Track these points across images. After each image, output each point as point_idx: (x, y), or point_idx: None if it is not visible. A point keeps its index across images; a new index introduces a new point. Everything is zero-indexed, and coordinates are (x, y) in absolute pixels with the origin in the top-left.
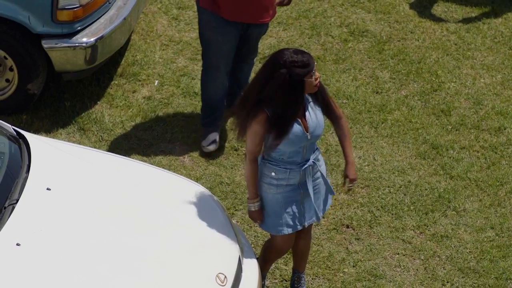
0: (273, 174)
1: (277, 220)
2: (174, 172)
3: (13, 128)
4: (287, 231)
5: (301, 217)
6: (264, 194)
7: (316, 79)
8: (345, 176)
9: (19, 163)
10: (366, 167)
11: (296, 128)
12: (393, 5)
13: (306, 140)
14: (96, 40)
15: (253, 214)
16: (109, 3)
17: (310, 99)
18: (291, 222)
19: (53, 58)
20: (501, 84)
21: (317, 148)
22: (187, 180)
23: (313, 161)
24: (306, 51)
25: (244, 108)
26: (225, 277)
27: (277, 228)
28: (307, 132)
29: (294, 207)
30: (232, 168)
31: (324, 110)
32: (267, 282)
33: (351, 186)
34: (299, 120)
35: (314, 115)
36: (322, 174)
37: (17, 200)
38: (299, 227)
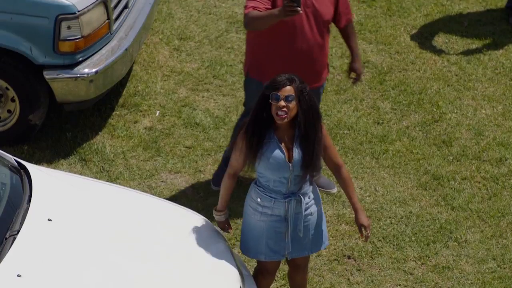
0: (259, 200)
1: (256, 246)
2: (175, 202)
3: (14, 159)
4: (263, 257)
5: (282, 249)
6: (248, 218)
7: (278, 106)
8: (359, 225)
9: (20, 193)
10: (367, 198)
11: (277, 153)
12: (394, 36)
13: (288, 171)
14: (97, 71)
15: (221, 224)
16: (111, 34)
17: (298, 135)
18: (269, 252)
19: (55, 89)
20: (502, 115)
21: (308, 185)
22: (188, 211)
23: (299, 196)
24: (296, 80)
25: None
26: None
27: (255, 253)
28: (289, 163)
29: (276, 238)
30: (233, 198)
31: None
32: None
33: (368, 233)
34: (282, 146)
35: (301, 151)
36: (314, 215)
37: (18, 231)
38: (278, 258)
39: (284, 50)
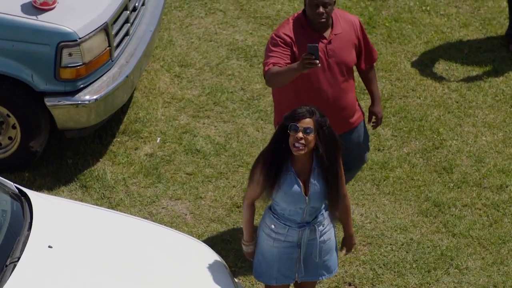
0: (273, 226)
1: (268, 271)
2: (176, 229)
3: (15, 186)
4: (274, 282)
5: (293, 273)
6: (261, 242)
7: (296, 138)
8: (344, 245)
9: (21, 220)
10: (368, 225)
11: (294, 187)
12: (394, 63)
13: (304, 203)
14: (98, 98)
15: (247, 254)
16: (112, 61)
17: (317, 168)
18: (280, 276)
19: (56, 116)
20: (503, 142)
21: (322, 214)
22: (189, 238)
23: (313, 225)
24: (316, 112)
25: None
26: None
27: (266, 278)
28: (306, 195)
29: (288, 264)
30: (234, 225)
31: (327, 185)
32: None
33: (348, 253)
34: (299, 180)
35: (318, 185)
36: (328, 242)
37: (19, 258)
38: (288, 282)
39: (311, 101)
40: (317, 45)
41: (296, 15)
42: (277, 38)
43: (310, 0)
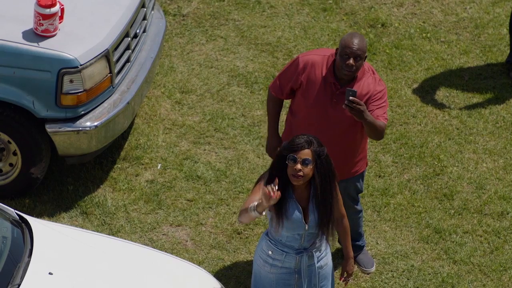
0: (270, 252)
1: None
2: (176, 256)
3: (16, 212)
4: None
5: None
6: (258, 269)
7: (294, 169)
8: (345, 271)
9: (22, 247)
10: (369, 251)
11: (296, 214)
12: (395, 90)
13: (303, 230)
14: (99, 124)
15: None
16: (113, 87)
17: (315, 195)
18: None
19: (57, 142)
20: (504, 168)
21: (321, 240)
22: (190, 264)
23: (311, 251)
24: (314, 142)
25: None
26: None
27: None
28: (305, 222)
29: None
30: (235, 251)
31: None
32: None
33: (348, 280)
34: (300, 207)
35: (317, 211)
36: (325, 268)
37: (19, 285)
38: None
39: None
40: (356, 91)
41: (331, 51)
42: (299, 61)
43: (342, 49)
